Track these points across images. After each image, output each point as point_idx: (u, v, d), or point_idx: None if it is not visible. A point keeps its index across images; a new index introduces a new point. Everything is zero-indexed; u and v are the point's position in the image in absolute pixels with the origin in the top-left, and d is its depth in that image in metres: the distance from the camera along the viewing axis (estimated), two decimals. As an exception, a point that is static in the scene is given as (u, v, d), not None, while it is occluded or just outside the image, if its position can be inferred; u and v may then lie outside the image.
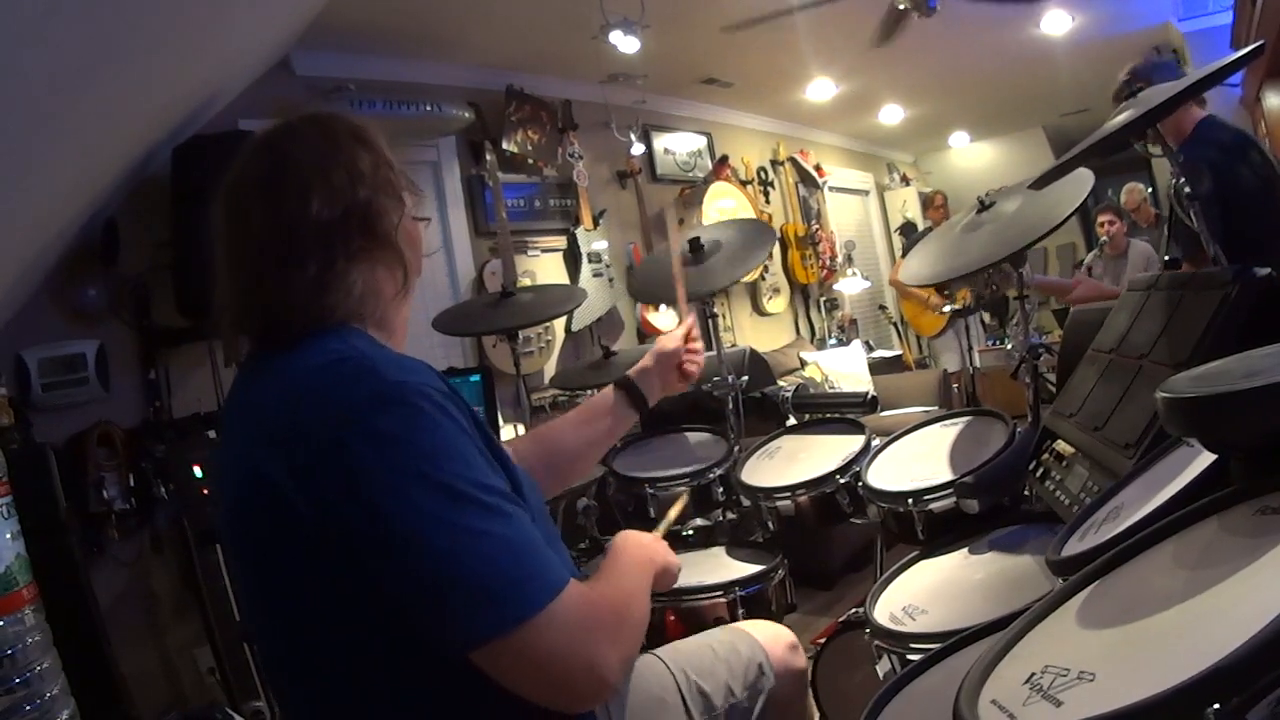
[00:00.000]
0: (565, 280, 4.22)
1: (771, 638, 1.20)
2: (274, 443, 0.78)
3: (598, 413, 1.39)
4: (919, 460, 1.58)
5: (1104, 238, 4.20)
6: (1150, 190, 7.41)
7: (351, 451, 0.74)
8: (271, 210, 0.87)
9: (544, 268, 4.19)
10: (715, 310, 2.42)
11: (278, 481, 0.76)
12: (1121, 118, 1.21)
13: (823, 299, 6.18)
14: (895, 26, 3.90)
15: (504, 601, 0.74)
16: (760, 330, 5.51)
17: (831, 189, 6.64)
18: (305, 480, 0.75)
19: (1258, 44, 1.46)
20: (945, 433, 1.65)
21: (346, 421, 0.75)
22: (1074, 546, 0.84)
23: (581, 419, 1.38)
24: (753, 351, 3.36)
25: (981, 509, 1.33)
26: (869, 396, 2.18)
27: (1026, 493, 1.40)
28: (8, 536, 1.75)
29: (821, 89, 5.29)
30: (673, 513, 1.54)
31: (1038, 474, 1.25)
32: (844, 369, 4.92)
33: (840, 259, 6.35)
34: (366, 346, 0.84)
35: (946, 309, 4.00)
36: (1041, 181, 1.43)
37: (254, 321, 0.89)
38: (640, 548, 1.06)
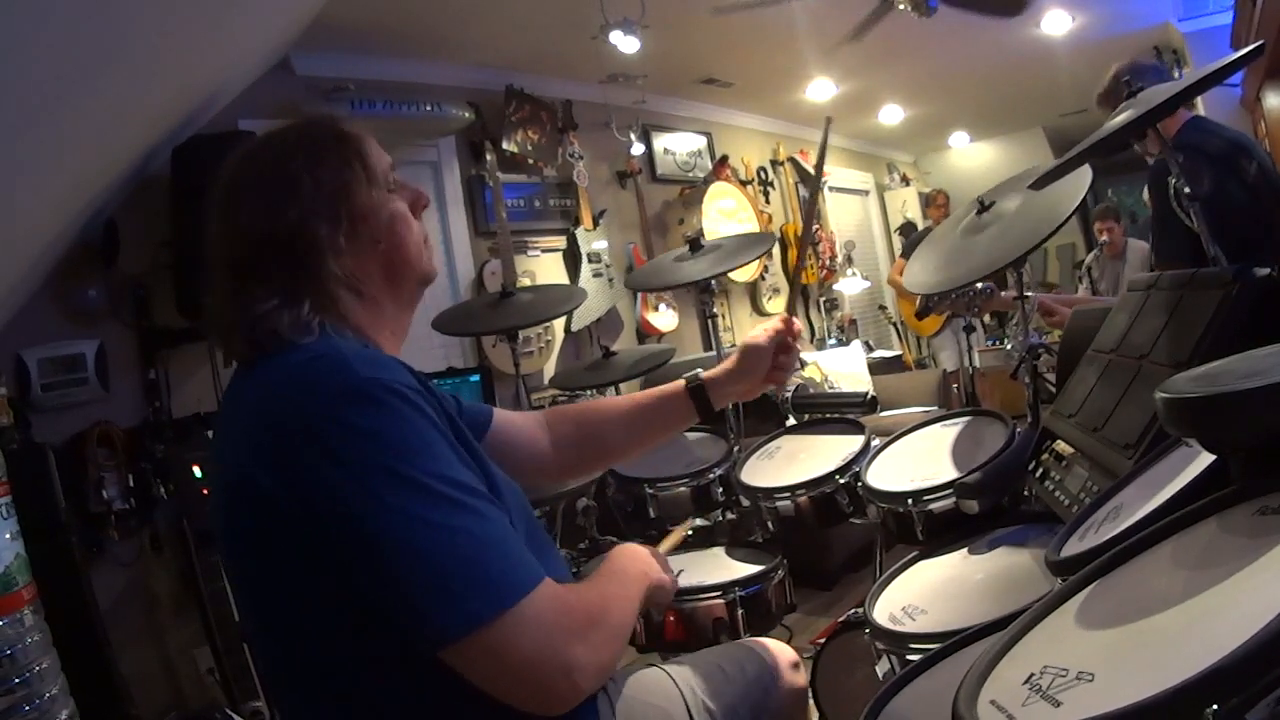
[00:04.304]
0: (565, 280, 4.22)
1: (777, 655, 1.19)
2: (253, 440, 0.79)
3: (656, 409, 1.28)
4: (919, 460, 1.58)
5: (1104, 239, 4.21)
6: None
7: (321, 446, 0.74)
8: (213, 228, 0.91)
9: (544, 268, 4.19)
10: (715, 310, 2.43)
11: (258, 478, 0.76)
12: (1121, 118, 1.21)
13: (823, 299, 6.18)
14: (874, 21, 3.86)
15: (471, 599, 0.73)
16: (760, 330, 5.50)
17: (831, 189, 6.63)
18: (281, 475, 0.76)
19: (1258, 44, 1.45)
20: (945, 433, 1.65)
21: (317, 416, 0.76)
22: (1073, 547, 0.84)
23: (636, 411, 1.28)
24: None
25: (981, 509, 1.33)
26: (869, 396, 2.18)
27: (1026, 493, 1.40)
28: (7, 536, 1.75)
29: (821, 89, 5.29)
30: (676, 536, 1.53)
31: (1037, 474, 1.25)
32: (844, 369, 4.91)
33: (840, 259, 6.35)
34: (344, 345, 0.84)
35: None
36: (1041, 182, 1.43)
37: (214, 337, 0.92)
38: (634, 559, 1.04)
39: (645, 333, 4.57)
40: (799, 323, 1.31)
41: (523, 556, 0.79)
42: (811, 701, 1.38)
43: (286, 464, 0.76)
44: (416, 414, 0.78)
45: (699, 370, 1.30)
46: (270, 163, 0.91)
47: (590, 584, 0.94)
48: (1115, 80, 2.40)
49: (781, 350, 1.29)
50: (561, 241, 4.31)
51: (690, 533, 1.87)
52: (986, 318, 5.26)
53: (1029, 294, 1.66)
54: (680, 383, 1.29)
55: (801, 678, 1.21)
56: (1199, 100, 3.14)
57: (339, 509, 0.74)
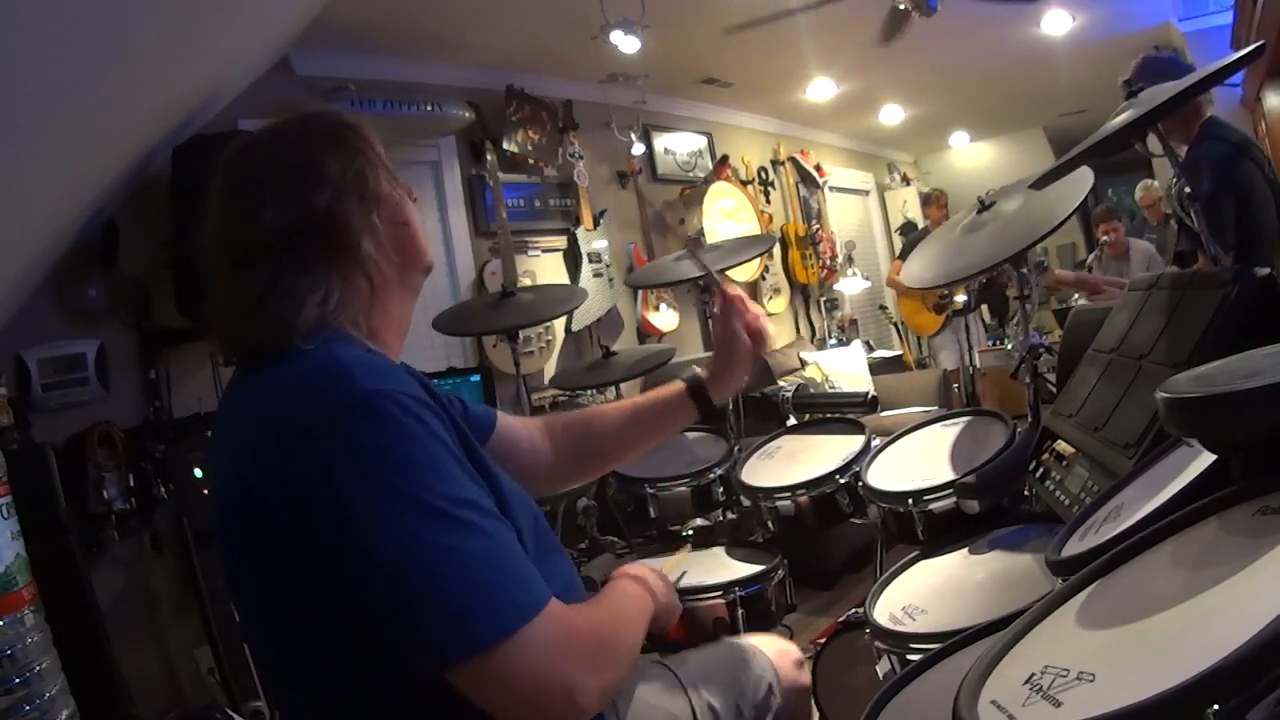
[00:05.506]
0: (565, 280, 4.21)
1: (780, 654, 1.20)
2: (252, 447, 0.78)
3: (657, 413, 1.29)
4: (919, 460, 1.58)
5: (1105, 238, 4.21)
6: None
7: (323, 460, 0.73)
8: (225, 222, 0.87)
9: (544, 268, 4.19)
10: (715, 310, 2.43)
11: (256, 488, 0.76)
12: (1121, 118, 1.21)
13: (823, 299, 6.17)
14: (898, 27, 3.89)
15: (474, 622, 0.72)
16: (760, 330, 5.49)
17: (832, 189, 6.63)
18: (281, 485, 0.74)
19: (1258, 44, 1.46)
20: (945, 433, 1.65)
21: (318, 429, 0.74)
22: (1074, 547, 0.84)
23: (636, 416, 1.29)
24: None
25: (981, 509, 1.33)
26: (869, 396, 2.19)
27: (1026, 493, 1.40)
28: (8, 536, 1.75)
29: (821, 89, 5.29)
30: (675, 561, 1.56)
31: (1038, 474, 1.25)
32: (844, 369, 4.91)
33: (840, 259, 6.35)
34: (346, 353, 0.82)
35: (959, 299, 3.88)
36: (1042, 181, 1.43)
37: (218, 335, 0.88)
38: (640, 581, 1.03)
39: (646, 332, 4.56)
40: (733, 288, 1.31)
41: (529, 577, 0.77)
42: (811, 701, 1.38)
43: (286, 474, 0.75)
44: (420, 427, 0.76)
45: (695, 369, 1.30)
46: (287, 151, 0.89)
47: (597, 605, 0.93)
48: (1143, 65, 2.41)
49: (746, 322, 1.27)
50: (562, 241, 4.31)
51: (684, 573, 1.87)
52: (987, 315, 5.26)
53: (1038, 273, 1.65)
54: (679, 384, 1.29)
55: (805, 675, 1.21)
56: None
57: (340, 524, 0.72)
